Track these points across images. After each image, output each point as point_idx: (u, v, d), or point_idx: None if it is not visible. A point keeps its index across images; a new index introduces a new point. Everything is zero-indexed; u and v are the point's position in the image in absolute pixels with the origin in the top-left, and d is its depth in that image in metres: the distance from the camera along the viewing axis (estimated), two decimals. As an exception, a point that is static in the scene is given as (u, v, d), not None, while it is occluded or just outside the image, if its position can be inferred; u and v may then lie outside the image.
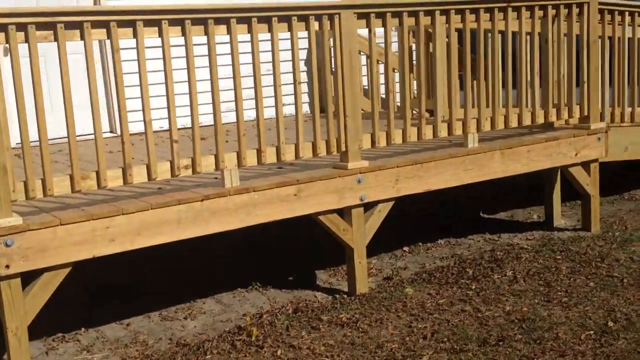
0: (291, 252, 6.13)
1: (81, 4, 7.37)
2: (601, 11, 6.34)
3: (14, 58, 3.62)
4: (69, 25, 3.78)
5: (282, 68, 4.54)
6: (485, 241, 6.26)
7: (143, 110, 4.05)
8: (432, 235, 6.38)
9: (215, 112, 4.33)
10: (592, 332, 4.19)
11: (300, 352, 4.16)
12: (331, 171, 4.86)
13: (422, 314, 4.65)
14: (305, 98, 4.81)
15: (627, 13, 6.59)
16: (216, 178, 4.71)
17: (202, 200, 4.29)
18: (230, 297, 5.16)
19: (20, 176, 3.80)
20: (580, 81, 6.02)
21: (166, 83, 4.12)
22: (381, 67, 5.83)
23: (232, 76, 4.37)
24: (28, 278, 3.90)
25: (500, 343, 4.09)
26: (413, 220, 6.86)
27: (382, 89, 5.77)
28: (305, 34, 4.64)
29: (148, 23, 4.02)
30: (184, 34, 4.15)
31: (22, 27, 3.67)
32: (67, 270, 3.92)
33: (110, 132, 7.52)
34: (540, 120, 5.82)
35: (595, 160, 6.19)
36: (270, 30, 4.47)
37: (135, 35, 3.98)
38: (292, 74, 4.58)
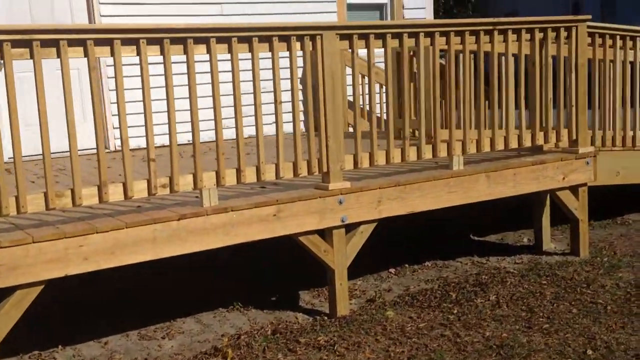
0: (277, 270, 6.11)
1: (77, 21, 7.43)
2: (592, 34, 6.35)
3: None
4: (46, 43, 3.79)
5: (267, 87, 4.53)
6: (473, 264, 6.22)
7: (120, 128, 4.05)
8: (420, 257, 6.34)
9: (194, 131, 4.33)
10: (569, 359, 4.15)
11: (273, 374, 4.12)
12: (312, 192, 4.84)
13: (401, 338, 4.60)
14: (288, 117, 4.76)
15: (618, 37, 6.58)
16: (197, 197, 4.69)
17: (179, 220, 4.27)
18: (211, 317, 5.13)
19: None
20: (569, 105, 6.00)
21: (144, 101, 4.12)
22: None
23: (212, 95, 4.37)
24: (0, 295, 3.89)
25: (476, 369, 4.05)
26: (401, 242, 6.83)
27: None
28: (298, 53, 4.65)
29: (126, 42, 4.02)
30: (162, 53, 4.15)
31: (-4, 44, 3.69)
32: (40, 288, 3.90)
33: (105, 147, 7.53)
34: (527, 143, 5.79)
35: (584, 185, 6.15)
36: (250, 50, 4.48)
37: (112, 54, 3.98)
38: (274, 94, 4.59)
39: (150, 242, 4.17)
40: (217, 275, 6.03)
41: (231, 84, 4.42)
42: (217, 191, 4.50)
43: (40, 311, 4.14)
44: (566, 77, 5.98)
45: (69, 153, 3.92)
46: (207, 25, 4.35)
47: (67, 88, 3.85)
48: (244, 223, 4.53)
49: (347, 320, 4.93)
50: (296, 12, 8.56)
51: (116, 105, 4.03)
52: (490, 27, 5.43)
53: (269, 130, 4.73)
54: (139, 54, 4.07)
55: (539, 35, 5.72)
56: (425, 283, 5.75)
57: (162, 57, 4.17)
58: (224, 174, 4.47)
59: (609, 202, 7.90)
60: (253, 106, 4.53)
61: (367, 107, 5.17)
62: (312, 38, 4.69)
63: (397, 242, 6.79)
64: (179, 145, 4.30)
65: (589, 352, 4.24)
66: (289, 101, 4.83)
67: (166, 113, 4.23)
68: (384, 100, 5.75)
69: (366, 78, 5.74)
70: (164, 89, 4.19)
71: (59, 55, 3.83)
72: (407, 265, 6.18)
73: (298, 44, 4.66)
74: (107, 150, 7.43)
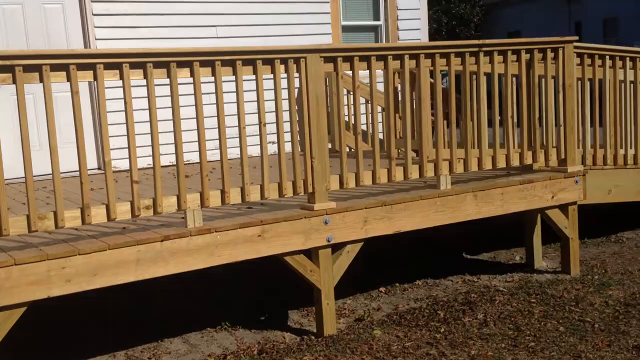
0: (268, 290, 6.13)
1: (73, 45, 7.53)
2: (581, 55, 6.40)
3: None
4: (28, 68, 3.86)
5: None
6: (464, 282, 6.23)
7: (103, 150, 4.10)
8: (411, 276, 6.35)
9: (177, 153, 4.38)
10: (552, 378, 4.15)
11: (255, 394, 4.13)
12: (297, 212, 4.88)
13: (387, 357, 4.61)
14: (271, 138, 4.82)
15: (607, 57, 6.63)
16: (183, 218, 4.73)
17: (162, 241, 4.32)
18: (199, 337, 5.16)
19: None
20: (558, 124, 6.03)
21: (127, 124, 4.18)
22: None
23: (195, 117, 4.43)
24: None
25: (457, 388, 4.05)
26: (393, 260, 6.84)
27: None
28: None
29: (109, 66, 4.09)
30: (145, 76, 4.22)
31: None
32: (22, 310, 3.94)
33: (98, 168, 7.61)
34: (515, 162, 5.82)
35: (574, 203, 6.16)
36: (234, 73, 4.54)
37: (95, 78, 4.05)
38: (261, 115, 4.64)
39: (134, 264, 4.21)
40: (207, 295, 6.06)
41: (215, 106, 4.48)
42: (201, 212, 4.54)
43: (25, 332, 4.17)
44: (555, 97, 6.02)
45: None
46: (190, 49, 4.42)
47: (49, 110, 3.91)
48: (229, 244, 4.57)
49: (333, 339, 4.95)
50: (291, 34, 8.65)
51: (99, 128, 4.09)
52: (476, 49, 5.49)
53: (255, 150, 4.78)
54: (121, 77, 4.13)
55: (525, 57, 5.76)
56: (414, 302, 5.76)
57: (145, 80, 4.23)
58: (208, 195, 4.51)
59: (604, 220, 7.91)
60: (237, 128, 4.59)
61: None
62: (297, 61, 4.76)
63: (388, 261, 6.80)
64: (165, 166, 4.35)
65: (573, 370, 4.24)
66: (274, 122, 4.88)
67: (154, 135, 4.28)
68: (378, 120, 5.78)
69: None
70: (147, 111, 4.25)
71: (41, 80, 3.89)
72: (397, 284, 6.19)
73: (282, 67, 4.72)
74: (102, 172, 7.49)
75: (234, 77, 4.56)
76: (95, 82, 4.07)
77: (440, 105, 5.42)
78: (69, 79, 3.97)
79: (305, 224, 4.85)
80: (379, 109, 7.03)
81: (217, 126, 4.53)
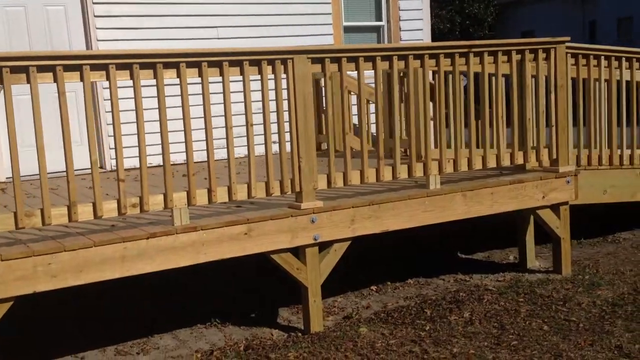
0: (260, 287, 6.21)
1: (75, 46, 7.66)
2: (575, 55, 6.42)
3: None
4: (16, 69, 3.97)
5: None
6: (455, 281, 6.27)
7: (89, 150, 4.20)
8: (403, 274, 6.41)
9: (164, 152, 4.47)
10: (529, 376, 4.19)
11: (237, 389, 4.22)
12: (283, 210, 4.96)
13: (370, 354, 4.68)
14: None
15: (602, 57, 6.64)
16: (171, 216, 4.82)
17: (148, 238, 4.41)
18: (188, 333, 5.25)
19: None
20: (549, 124, 6.06)
21: (113, 124, 4.28)
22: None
23: (182, 117, 4.52)
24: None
25: (434, 385, 4.11)
26: (386, 259, 6.90)
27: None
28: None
29: (95, 67, 4.19)
30: (132, 77, 4.31)
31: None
32: (9, 304, 4.05)
33: (100, 167, 7.74)
34: (506, 162, 5.86)
35: (565, 203, 6.19)
36: (221, 74, 4.62)
37: (82, 79, 4.15)
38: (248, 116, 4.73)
39: (119, 260, 4.31)
40: (199, 291, 6.15)
41: (202, 107, 4.57)
42: (188, 210, 4.63)
43: (15, 326, 4.28)
44: (547, 97, 6.05)
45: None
46: (177, 50, 4.51)
47: (36, 111, 4.02)
48: (215, 241, 4.65)
49: (319, 336, 5.02)
50: (292, 34, 8.73)
51: (91, 127, 4.19)
52: (466, 50, 5.53)
53: (244, 151, 4.86)
54: (108, 78, 4.23)
55: (516, 57, 5.80)
56: (404, 300, 5.82)
57: (131, 81, 4.33)
58: (194, 194, 4.60)
59: (602, 220, 7.91)
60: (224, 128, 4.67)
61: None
62: (284, 62, 4.83)
63: (382, 260, 6.86)
64: (153, 167, 4.44)
65: (553, 369, 4.28)
66: (261, 123, 4.96)
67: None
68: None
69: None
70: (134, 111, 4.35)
71: (28, 81, 4.00)
72: (389, 283, 6.25)
73: (269, 68, 4.79)
74: (103, 170, 7.64)
75: (221, 78, 4.64)
76: (84, 83, 4.16)
77: (429, 108, 5.48)
78: (55, 80, 4.07)
79: (292, 223, 4.92)
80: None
81: (204, 127, 4.61)
